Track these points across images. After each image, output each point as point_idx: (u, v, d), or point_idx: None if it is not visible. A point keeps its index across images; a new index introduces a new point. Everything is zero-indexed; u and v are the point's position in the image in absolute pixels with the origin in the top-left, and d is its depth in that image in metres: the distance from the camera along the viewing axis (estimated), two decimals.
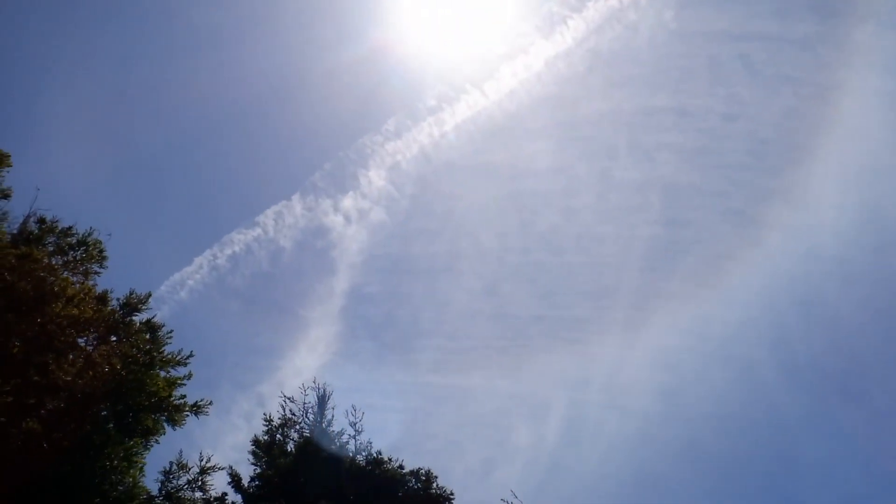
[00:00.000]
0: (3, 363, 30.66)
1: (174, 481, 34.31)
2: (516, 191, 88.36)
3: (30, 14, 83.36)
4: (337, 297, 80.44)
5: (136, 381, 32.64)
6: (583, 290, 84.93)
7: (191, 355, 36.20)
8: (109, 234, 37.81)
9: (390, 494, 40.55)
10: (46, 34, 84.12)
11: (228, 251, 71.07)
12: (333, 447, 40.82)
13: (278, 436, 41.39)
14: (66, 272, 35.03)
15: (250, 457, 41.02)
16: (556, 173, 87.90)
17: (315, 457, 39.75)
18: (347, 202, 79.99)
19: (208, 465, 34.07)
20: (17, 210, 37.37)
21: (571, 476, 69.57)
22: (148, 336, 36.12)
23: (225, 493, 38.85)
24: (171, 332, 36.84)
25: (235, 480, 38.54)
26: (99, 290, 36.43)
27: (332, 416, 42.65)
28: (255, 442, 40.97)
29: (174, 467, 34.36)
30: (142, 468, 33.71)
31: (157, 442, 34.43)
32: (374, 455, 41.72)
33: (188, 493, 33.91)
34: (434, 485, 41.45)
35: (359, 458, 41.50)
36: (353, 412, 42.55)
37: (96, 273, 37.30)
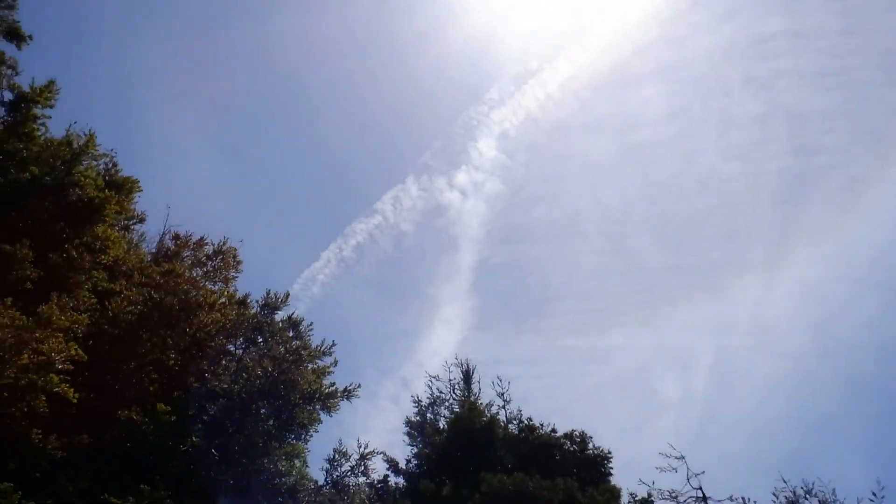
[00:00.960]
0: (163, 375, 32.08)
1: (338, 469, 35.03)
2: (631, 142, 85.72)
3: (138, 26, 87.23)
4: (464, 272, 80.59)
5: (288, 379, 33.40)
6: (715, 233, 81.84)
7: (333, 345, 36.92)
8: (241, 241, 38.98)
9: (547, 459, 40.00)
10: (152, 45, 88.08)
11: (352, 242, 72.19)
12: (484, 419, 40.68)
13: (429, 414, 41.88)
14: (206, 282, 36.27)
15: (405, 438, 41.53)
16: (670, 118, 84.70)
17: (468, 430, 39.56)
18: (461, 177, 79.68)
19: (367, 450, 34.52)
20: (151, 230, 39.16)
21: (728, 424, 67.18)
22: (291, 333, 37.06)
23: (386, 475, 39.74)
24: (312, 324, 37.71)
25: (393, 465, 39.32)
26: (239, 294, 37.75)
27: (479, 389, 43.13)
28: (408, 423, 41.30)
29: (336, 455, 35.07)
30: (305, 459, 34.78)
31: (315, 431, 35.37)
32: (526, 422, 41.38)
33: (352, 480, 34.57)
34: (590, 446, 40.70)
35: (511, 426, 41.39)
36: (499, 383, 42.73)
37: (233, 279, 38.57)
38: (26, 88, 33.88)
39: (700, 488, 42.00)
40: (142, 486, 26.53)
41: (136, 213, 36.74)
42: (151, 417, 29.78)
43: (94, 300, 30.71)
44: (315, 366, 36.09)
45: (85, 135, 34.33)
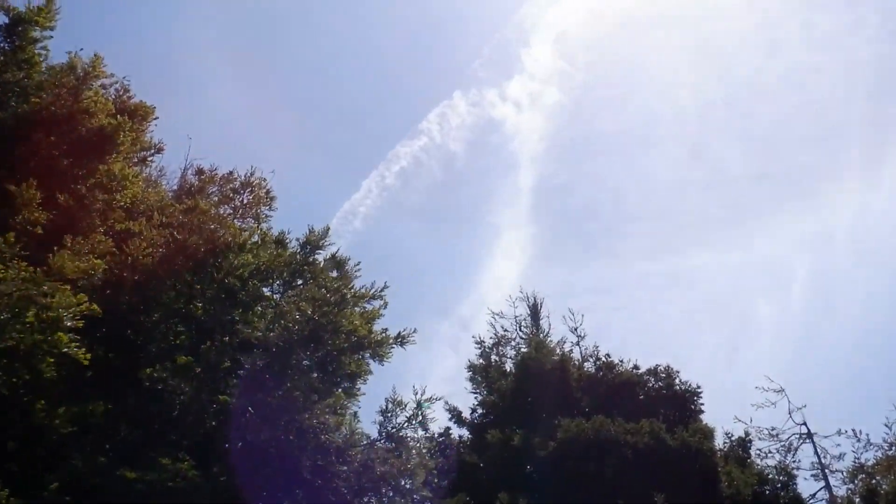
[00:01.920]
0: (190, 327, 28.92)
1: (393, 420, 31.52)
2: (706, 35, 78.28)
3: None
4: (525, 194, 75.54)
5: (331, 324, 29.69)
6: (806, 134, 74.76)
7: (385, 286, 32.96)
8: (273, 171, 35.01)
9: (630, 398, 37.06)
10: None
11: (396, 167, 67.42)
12: (556, 358, 37.73)
13: (493, 357, 39.43)
14: (235, 220, 32.70)
15: (468, 384, 39.22)
16: (749, 6, 76.93)
17: (538, 372, 36.73)
18: (515, 88, 73.84)
19: (424, 397, 30.80)
20: (171, 163, 35.44)
21: (830, 351, 61.80)
22: (335, 273, 33.35)
23: (448, 428, 37.13)
24: (359, 264, 33.87)
25: (455, 414, 36.80)
26: (274, 233, 34.09)
27: (549, 326, 40.59)
28: (471, 367, 39.13)
29: (390, 405, 31.47)
30: (356, 413, 31.61)
31: (364, 382, 31.95)
32: (603, 359, 38.76)
33: (409, 432, 31.14)
34: (676, 381, 37.85)
35: (586, 365, 38.65)
36: (571, 317, 40.28)
37: (267, 217, 34.83)
38: (22, 10, 30.44)
39: (804, 423, 37.97)
40: (161, 459, 23.36)
41: (152, 144, 33.16)
42: (178, 375, 26.62)
43: (111, 243, 27.34)
44: (363, 309, 32.32)
45: (90, 59, 30.86)
